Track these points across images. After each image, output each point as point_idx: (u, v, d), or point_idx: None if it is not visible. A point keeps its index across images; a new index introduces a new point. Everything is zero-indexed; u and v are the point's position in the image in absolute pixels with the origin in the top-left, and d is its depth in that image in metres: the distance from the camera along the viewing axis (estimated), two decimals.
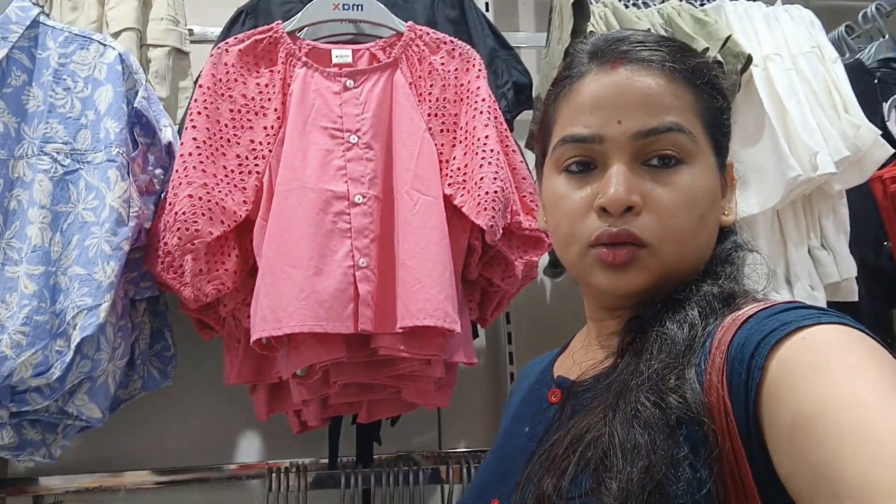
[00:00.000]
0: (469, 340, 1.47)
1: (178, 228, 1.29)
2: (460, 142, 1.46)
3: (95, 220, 1.32)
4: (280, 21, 1.48)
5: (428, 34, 1.51)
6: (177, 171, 1.34)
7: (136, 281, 1.43)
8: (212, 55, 1.43)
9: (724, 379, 0.57)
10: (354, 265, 1.32)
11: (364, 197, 1.36)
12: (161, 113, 1.47)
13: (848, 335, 0.55)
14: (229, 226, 1.35)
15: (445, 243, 1.35)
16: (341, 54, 1.48)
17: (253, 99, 1.43)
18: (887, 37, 2.01)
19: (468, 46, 1.52)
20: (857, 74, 1.87)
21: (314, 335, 1.28)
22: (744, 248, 0.75)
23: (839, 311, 0.59)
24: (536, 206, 1.24)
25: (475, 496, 0.79)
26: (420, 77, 1.48)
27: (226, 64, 1.42)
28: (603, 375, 0.69)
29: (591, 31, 1.60)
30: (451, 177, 1.43)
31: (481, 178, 1.38)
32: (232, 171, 1.38)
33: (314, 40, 1.51)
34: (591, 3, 1.68)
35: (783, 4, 1.87)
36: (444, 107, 1.47)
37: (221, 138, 1.38)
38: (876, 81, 1.95)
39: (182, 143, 1.37)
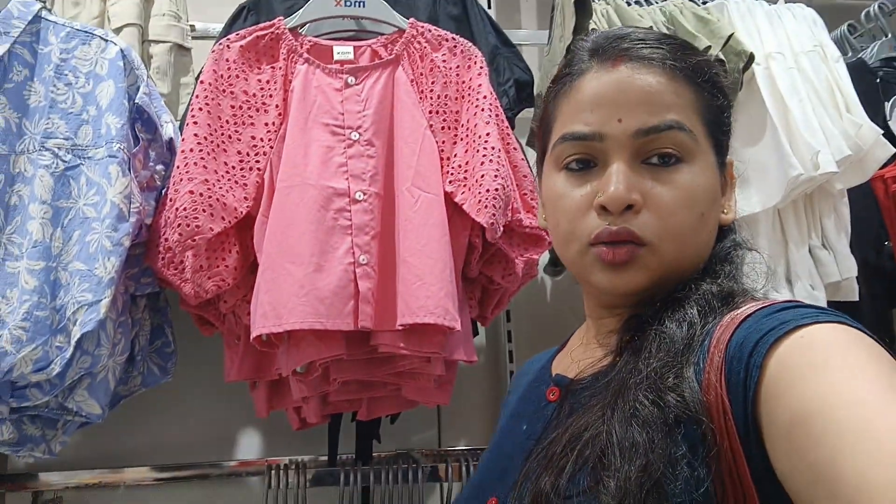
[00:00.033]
0: (469, 338, 1.47)
1: (179, 224, 1.29)
2: (461, 139, 1.45)
3: (96, 216, 1.32)
4: (282, 17, 1.48)
5: (430, 31, 1.51)
6: (178, 167, 1.34)
7: (136, 277, 1.43)
8: (213, 51, 1.43)
9: (723, 378, 0.57)
10: (355, 262, 1.32)
11: (365, 194, 1.36)
12: (162, 109, 1.47)
13: (846, 334, 0.55)
14: (230, 222, 1.35)
15: (446, 241, 1.35)
16: (343, 51, 1.48)
17: (254, 95, 1.43)
18: (890, 36, 2.00)
19: (470, 44, 1.52)
20: (860, 73, 1.87)
21: (314, 332, 1.28)
22: (743, 246, 0.75)
23: (839, 310, 0.59)
24: (537, 203, 1.24)
25: (472, 494, 0.79)
26: (422, 74, 1.48)
27: (227, 60, 1.42)
28: (601, 374, 0.69)
29: (592, 29, 1.60)
30: (452, 174, 1.43)
31: (482, 176, 1.38)
32: (233, 167, 1.38)
33: (316, 37, 1.51)
34: (594, 1, 1.68)
35: (786, 3, 1.87)
36: (446, 104, 1.47)
37: (222, 134, 1.38)
38: (878, 81, 1.95)
39: (183, 140, 1.37)
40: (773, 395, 0.53)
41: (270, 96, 1.43)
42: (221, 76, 1.41)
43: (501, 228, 1.38)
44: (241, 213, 1.36)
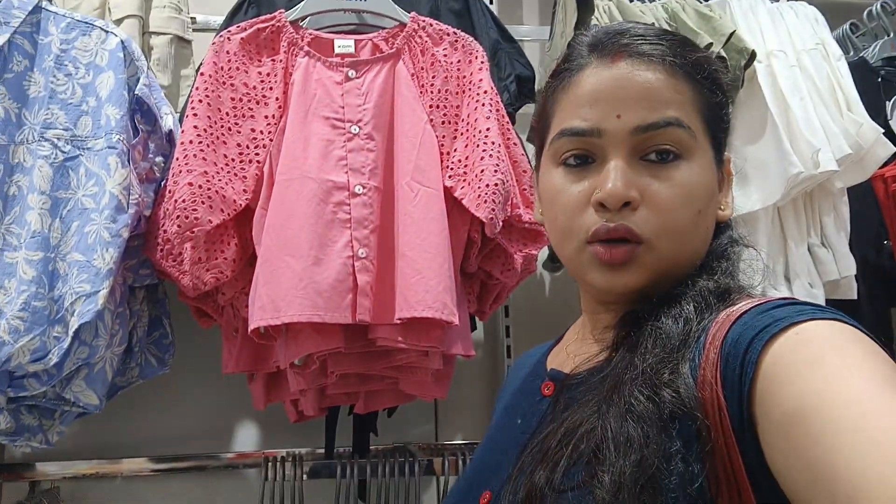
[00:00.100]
0: (467, 333, 1.48)
1: (178, 216, 1.29)
2: (461, 134, 1.45)
3: (95, 207, 1.32)
4: (283, 10, 1.48)
5: (431, 25, 1.51)
6: (177, 158, 1.34)
7: (135, 268, 1.43)
8: (214, 43, 1.43)
9: (718, 374, 0.57)
10: (354, 255, 1.32)
11: (364, 187, 1.36)
12: (162, 101, 1.47)
13: (842, 331, 0.55)
14: (229, 214, 1.35)
15: (445, 235, 1.35)
16: (344, 44, 1.48)
17: (254, 88, 1.43)
18: (892, 35, 2.00)
19: (471, 38, 1.52)
20: (861, 72, 1.87)
21: (312, 325, 1.28)
22: (740, 243, 0.75)
23: (838, 308, 0.59)
24: None
25: (466, 488, 0.79)
26: (422, 68, 1.48)
27: (228, 52, 1.42)
28: (597, 369, 0.69)
29: (594, 25, 1.60)
30: (451, 169, 1.43)
31: (482, 171, 1.38)
32: (232, 159, 1.38)
33: (317, 30, 1.51)
34: None
35: (788, 1, 1.86)
36: (446, 98, 1.47)
37: (222, 127, 1.38)
38: (879, 80, 1.95)
39: (183, 131, 1.37)
40: (768, 392, 0.53)
41: (271, 89, 1.43)
42: (222, 68, 1.41)
43: (501, 223, 1.38)
44: (241, 205, 1.36)
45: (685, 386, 0.58)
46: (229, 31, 1.44)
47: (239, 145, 1.39)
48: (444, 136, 1.45)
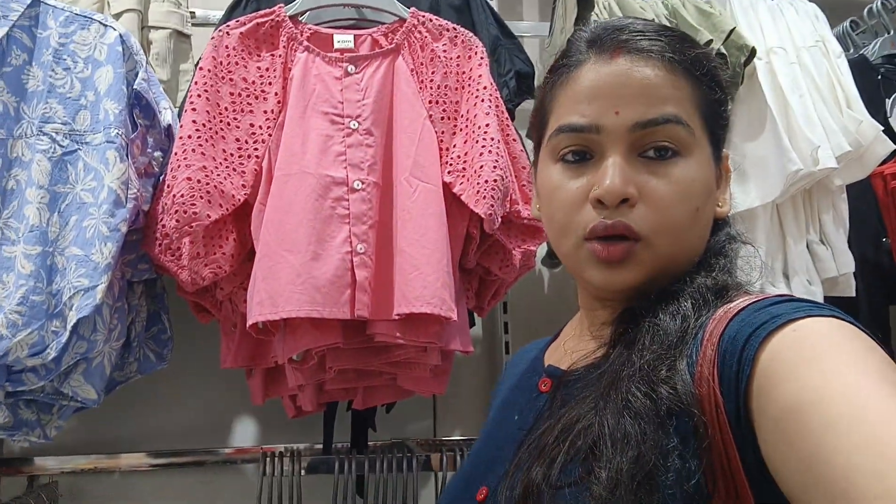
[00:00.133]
0: (466, 329, 1.48)
1: (177, 211, 1.29)
2: (461, 129, 1.45)
3: (93, 201, 1.32)
4: (282, 5, 1.47)
5: (430, 21, 1.50)
6: (176, 153, 1.34)
7: (133, 263, 1.43)
8: (213, 38, 1.43)
9: (715, 371, 0.57)
10: (352, 251, 1.31)
11: (363, 183, 1.36)
12: (161, 95, 1.47)
13: (839, 328, 0.55)
14: (227, 209, 1.34)
15: (444, 231, 1.35)
16: (343, 39, 1.48)
17: (253, 83, 1.42)
18: (892, 33, 2.00)
19: (471, 34, 1.52)
20: (861, 70, 1.87)
21: (311, 320, 1.28)
22: (738, 239, 0.75)
23: (836, 306, 0.59)
24: None
25: (462, 483, 0.79)
26: (422, 64, 1.48)
27: (227, 47, 1.42)
28: (594, 366, 0.69)
29: (594, 21, 1.60)
30: (450, 164, 1.43)
31: (481, 167, 1.37)
32: (231, 154, 1.38)
33: (316, 25, 1.51)
34: None
35: None
36: (446, 94, 1.47)
37: (221, 122, 1.38)
38: (879, 77, 1.94)
39: (181, 126, 1.36)
40: (765, 389, 0.53)
41: (270, 84, 1.43)
42: (221, 63, 1.40)
43: (499, 219, 1.38)
44: (239, 200, 1.36)
45: (682, 382, 0.58)
46: (228, 26, 1.43)
47: (238, 140, 1.39)
48: (443, 132, 1.45)
